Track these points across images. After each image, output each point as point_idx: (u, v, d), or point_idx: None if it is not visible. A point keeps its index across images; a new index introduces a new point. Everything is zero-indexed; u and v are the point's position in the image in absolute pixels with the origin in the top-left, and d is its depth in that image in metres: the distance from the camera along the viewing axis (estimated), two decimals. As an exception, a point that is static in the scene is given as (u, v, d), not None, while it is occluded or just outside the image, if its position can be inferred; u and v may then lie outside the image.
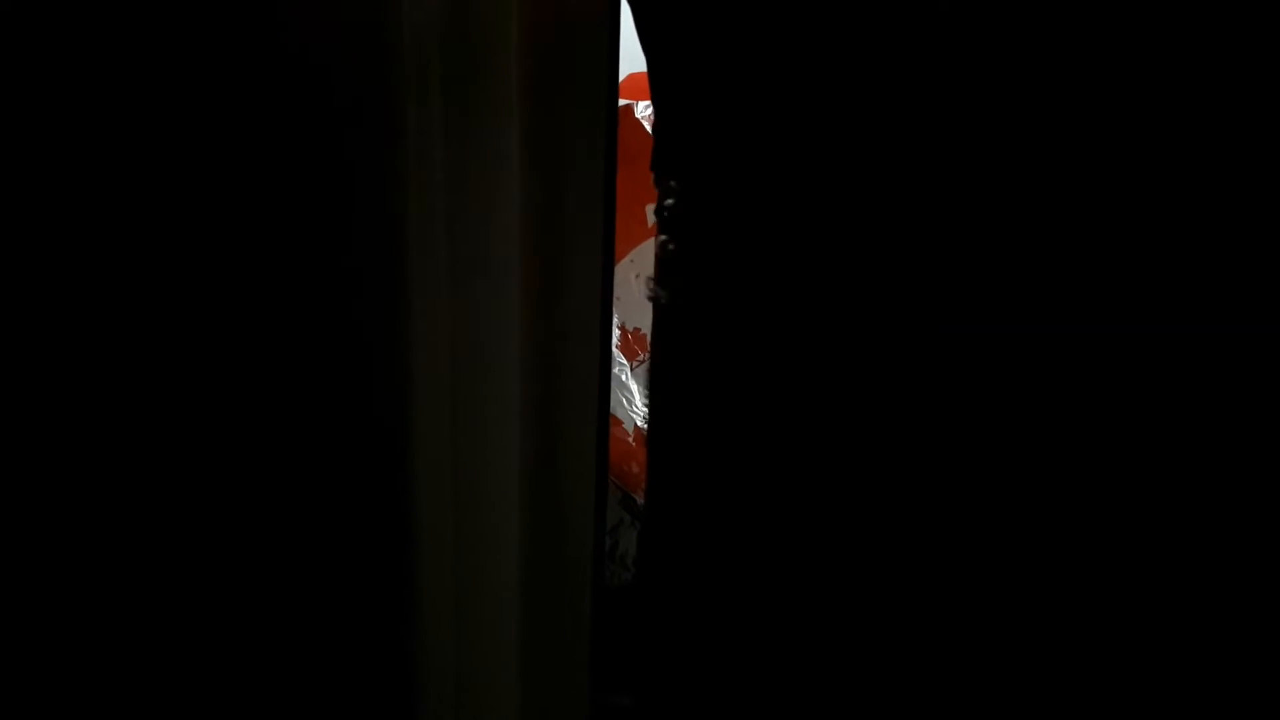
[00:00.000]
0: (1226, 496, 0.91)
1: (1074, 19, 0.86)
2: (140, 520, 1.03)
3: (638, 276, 1.67)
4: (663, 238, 0.98)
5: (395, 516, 1.06)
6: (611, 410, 1.73)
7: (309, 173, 0.98)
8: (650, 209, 1.57)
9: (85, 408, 1.01)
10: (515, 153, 1.06)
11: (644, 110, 1.80)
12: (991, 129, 0.90)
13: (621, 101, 1.85)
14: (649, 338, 1.17)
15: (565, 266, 1.11)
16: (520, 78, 1.05)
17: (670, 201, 0.97)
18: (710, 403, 1.01)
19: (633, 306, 1.71)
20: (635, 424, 1.71)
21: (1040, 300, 0.92)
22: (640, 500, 1.55)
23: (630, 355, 1.76)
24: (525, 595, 1.16)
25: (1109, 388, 0.92)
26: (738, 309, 0.96)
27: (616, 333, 1.78)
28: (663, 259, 0.98)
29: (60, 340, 0.99)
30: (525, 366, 1.10)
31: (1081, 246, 0.90)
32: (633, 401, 1.73)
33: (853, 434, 0.97)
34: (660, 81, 1.01)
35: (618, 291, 1.76)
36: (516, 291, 1.08)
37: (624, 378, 1.74)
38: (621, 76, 1.95)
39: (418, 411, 1.03)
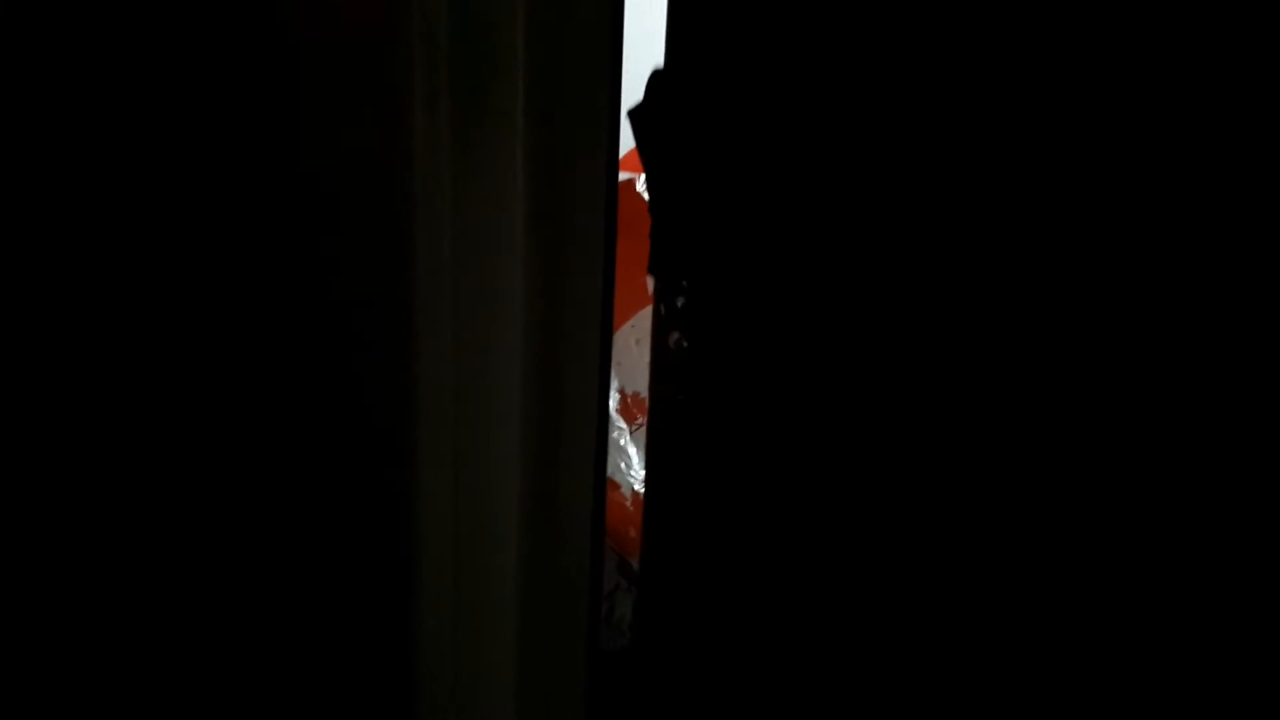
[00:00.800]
0: (1226, 496, 0.92)
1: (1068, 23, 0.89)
2: (142, 516, 1.03)
3: (638, 342, 1.68)
4: (675, 335, 1.06)
5: (397, 571, 1.07)
6: (610, 474, 1.74)
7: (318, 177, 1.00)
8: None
9: (87, 405, 1.01)
10: (518, 224, 1.08)
11: (644, 184, 1.82)
12: (986, 243, 0.94)
13: (623, 175, 1.88)
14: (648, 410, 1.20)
15: (565, 329, 1.12)
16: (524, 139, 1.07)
17: (680, 301, 1.05)
18: (712, 485, 1.08)
19: (633, 370, 1.72)
20: (633, 488, 1.71)
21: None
22: (636, 565, 1.55)
23: (630, 419, 1.77)
24: (520, 655, 1.16)
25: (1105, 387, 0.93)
26: (743, 406, 1.04)
27: (616, 397, 1.79)
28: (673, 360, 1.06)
29: (60, 339, 1.00)
30: (526, 425, 1.10)
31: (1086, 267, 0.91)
32: (631, 466, 1.73)
33: (836, 523, 1.03)
34: (658, 193, 1.09)
35: (618, 356, 1.77)
36: (519, 346, 1.10)
37: (622, 442, 1.74)
38: (623, 151, 1.99)
39: (421, 466, 1.04)
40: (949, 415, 0.99)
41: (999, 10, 0.91)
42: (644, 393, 1.74)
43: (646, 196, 1.86)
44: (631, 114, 1.10)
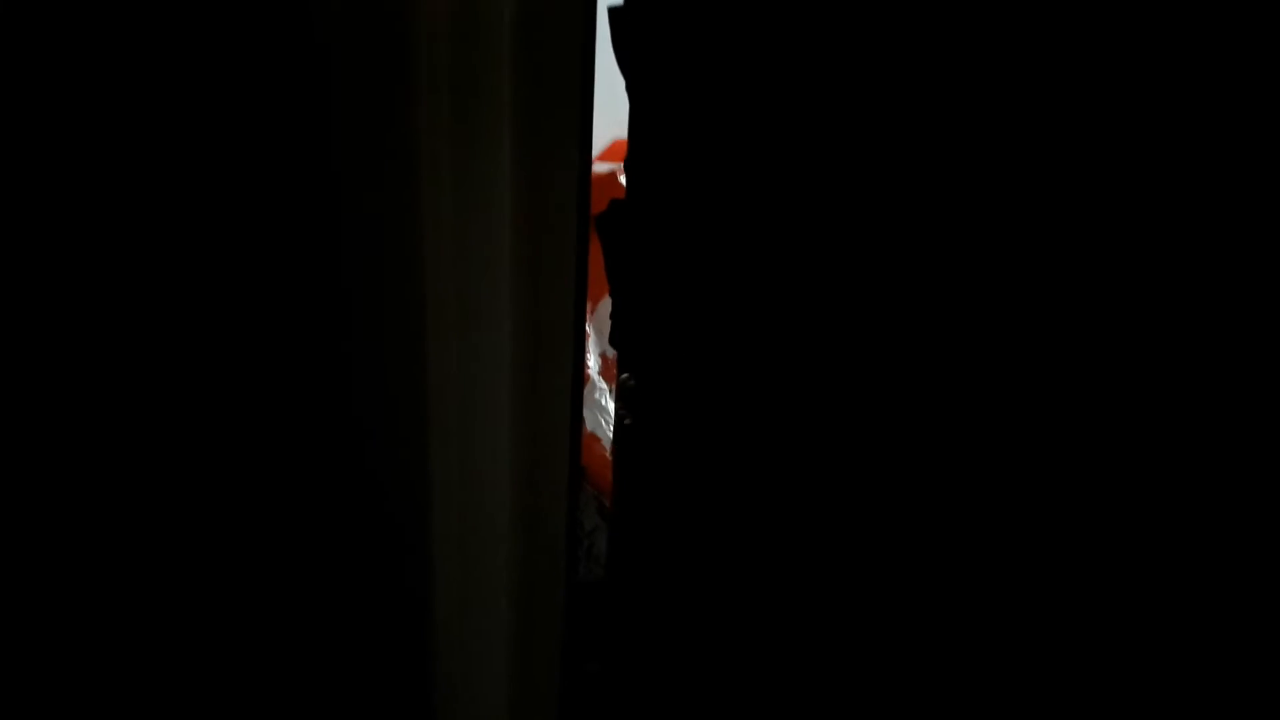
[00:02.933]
0: (1226, 496, 0.92)
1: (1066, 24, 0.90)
2: (145, 518, 1.10)
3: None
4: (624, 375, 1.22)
5: (408, 514, 1.23)
6: (593, 429, 1.92)
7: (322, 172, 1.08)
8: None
9: (91, 403, 1.06)
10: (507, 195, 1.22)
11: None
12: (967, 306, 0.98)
13: (606, 167, 2.01)
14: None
15: (546, 303, 1.29)
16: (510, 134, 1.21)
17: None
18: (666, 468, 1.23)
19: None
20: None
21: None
22: (613, 507, 1.72)
23: (611, 379, 1.93)
24: (510, 584, 1.35)
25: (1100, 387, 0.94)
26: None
27: (599, 361, 1.96)
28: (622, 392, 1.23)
29: (59, 337, 1.04)
30: (515, 390, 1.29)
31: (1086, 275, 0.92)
32: (611, 421, 1.89)
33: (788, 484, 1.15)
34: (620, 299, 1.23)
35: (599, 325, 1.93)
36: (507, 327, 1.27)
37: (604, 401, 1.89)
38: (608, 142, 2.11)
39: (431, 413, 1.21)
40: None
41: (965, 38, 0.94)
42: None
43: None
44: (598, 220, 1.26)
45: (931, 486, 1.04)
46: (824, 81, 1.02)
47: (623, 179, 2.03)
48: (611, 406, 1.91)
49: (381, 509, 1.23)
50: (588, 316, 2.02)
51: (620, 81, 1.24)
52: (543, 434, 1.31)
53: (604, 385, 1.92)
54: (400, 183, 1.15)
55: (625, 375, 1.23)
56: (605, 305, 1.84)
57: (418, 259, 1.18)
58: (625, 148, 1.87)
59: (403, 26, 1.10)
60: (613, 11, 1.21)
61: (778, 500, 1.14)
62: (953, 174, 0.95)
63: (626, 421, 1.23)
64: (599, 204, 1.33)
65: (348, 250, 1.16)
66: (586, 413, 1.90)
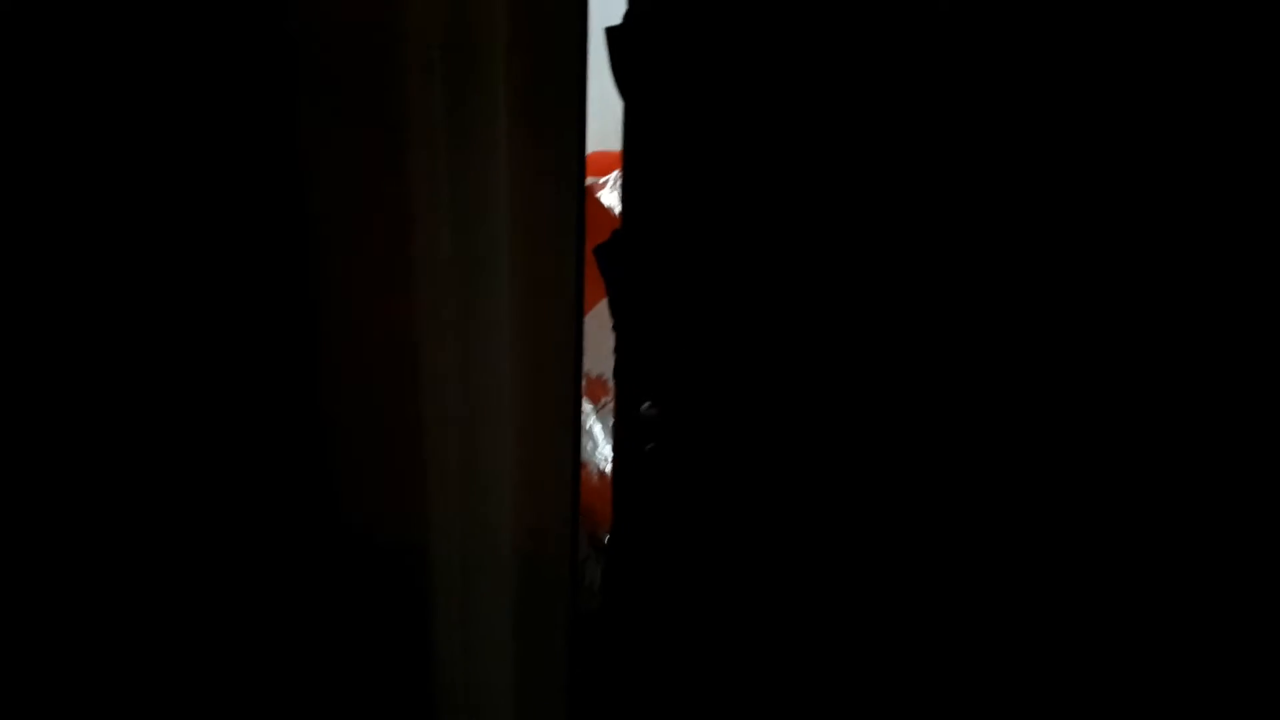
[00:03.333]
0: (1226, 496, 0.92)
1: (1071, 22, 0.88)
2: (142, 519, 1.07)
3: (601, 327, 1.78)
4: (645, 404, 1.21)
5: (408, 553, 1.18)
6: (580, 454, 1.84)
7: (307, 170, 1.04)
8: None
9: (84, 403, 1.03)
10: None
11: (606, 189, 1.90)
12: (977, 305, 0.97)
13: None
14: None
15: (547, 323, 1.23)
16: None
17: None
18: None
19: (596, 355, 1.80)
20: (599, 467, 1.81)
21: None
22: (604, 537, 1.66)
23: (594, 399, 1.86)
24: (515, 613, 1.28)
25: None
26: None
27: (584, 380, 1.88)
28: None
29: (60, 334, 1.01)
30: (516, 417, 1.22)
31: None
32: (597, 447, 1.82)
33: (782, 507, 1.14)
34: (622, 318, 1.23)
35: (584, 341, 1.87)
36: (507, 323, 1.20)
37: (588, 424, 1.83)
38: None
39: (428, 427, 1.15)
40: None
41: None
42: (607, 375, 1.83)
43: (606, 203, 1.96)
44: (596, 251, 1.23)
45: (953, 518, 1.04)
46: (843, 98, 1.00)
47: (601, 195, 2.00)
48: (598, 430, 1.84)
49: (374, 539, 1.16)
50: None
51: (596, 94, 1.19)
52: (542, 461, 1.24)
53: (589, 406, 1.85)
54: (386, 180, 1.09)
55: (647, 404, 1.20)
56: (589, 320, 1.78)
57: (408, 276, 1.11)
58: (605, 161, 1.83)
59: (394, 31, 1.05)
60: (611, 32, 1.16)
61: (818, 531, 1.11)
62: (973, 198, 0.95)
63: (644, 449, 1.20)
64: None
65: (322, 253, 1.10)
66: (572, 436, 1.82)
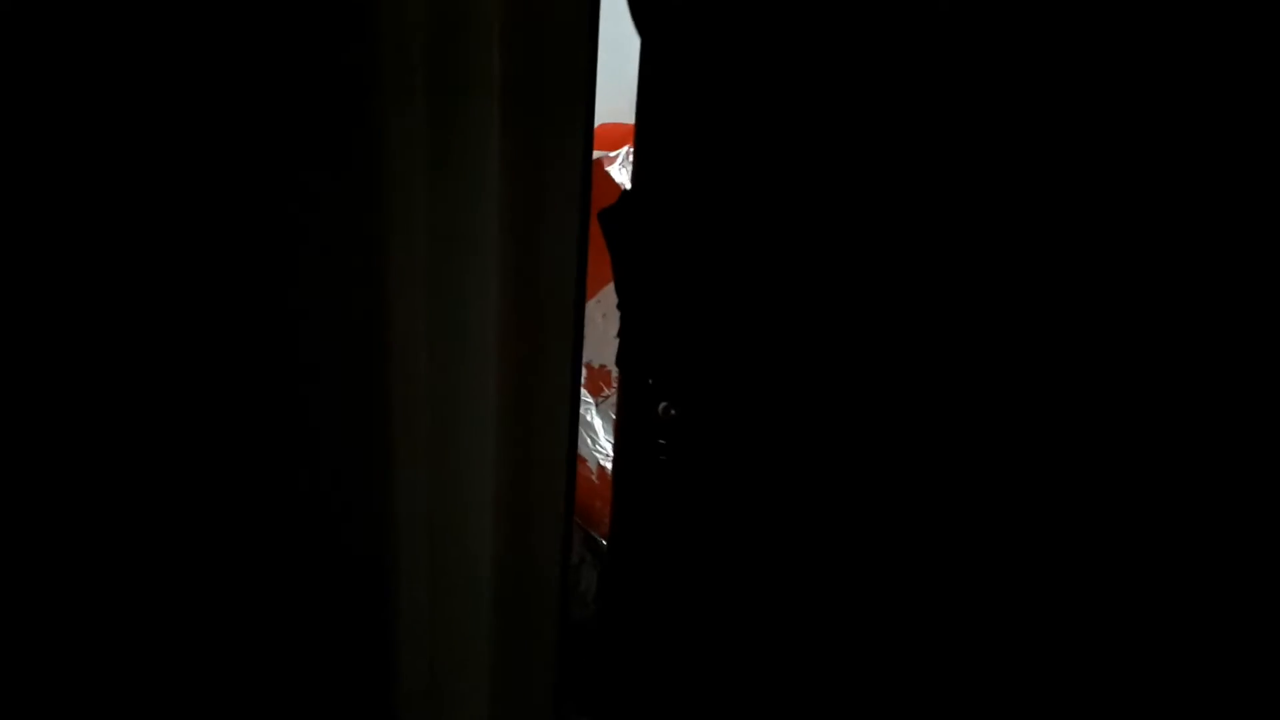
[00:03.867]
0: (1226, 496, 0.91)
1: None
2: (121, 515, 1.01)
3: (604, 316, 1.69)
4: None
5: (373, 539, 1.07)
6: (580, 449, 1.74)
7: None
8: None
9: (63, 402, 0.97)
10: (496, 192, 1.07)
11: (616, 164, 1.81)
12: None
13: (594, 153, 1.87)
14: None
15: (542, 317, 1.13)
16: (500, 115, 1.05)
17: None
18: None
19: (598, 344, 1.70)
20: (598, 462, 1.71)
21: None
22: (602, 539, 1.57)
23: (595, 391, 1.76)
24: (495, 622, 1.18)
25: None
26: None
27: (584, 370, 1.79)
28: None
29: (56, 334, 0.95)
30: (501, 416, 1.11)
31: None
32: (596, 440, 1.73)
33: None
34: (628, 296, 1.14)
35: (584, 329, 1.77)
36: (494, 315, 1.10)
37: (588, 416, 1.73)
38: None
39: (397, 438, 1.05)
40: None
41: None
42: (610, 366, 1.74)
43: (617, 178, 1.86)
44: (601, 215, 1.12)
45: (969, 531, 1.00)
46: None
47: (612, 169, 1.89)
48: (598, 424, 1.74)
49: (337, 543, 1.06)
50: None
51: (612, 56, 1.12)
52: (534, 458, 1.13)
53: (589, 399, 1.75)
54: (363, 162, 0.98)
55: (664, 405, 1.10)
56: (591, 306, 1.68)
57: (384, 253, 1.01)
58: (616, 134, 1.71)
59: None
60: None
61: (846, 533, 1.04)
62: (985, 194, 0.92)
63: (663, 456, 1.11)
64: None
65: (298, 246, 1.00)
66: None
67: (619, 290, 1.15)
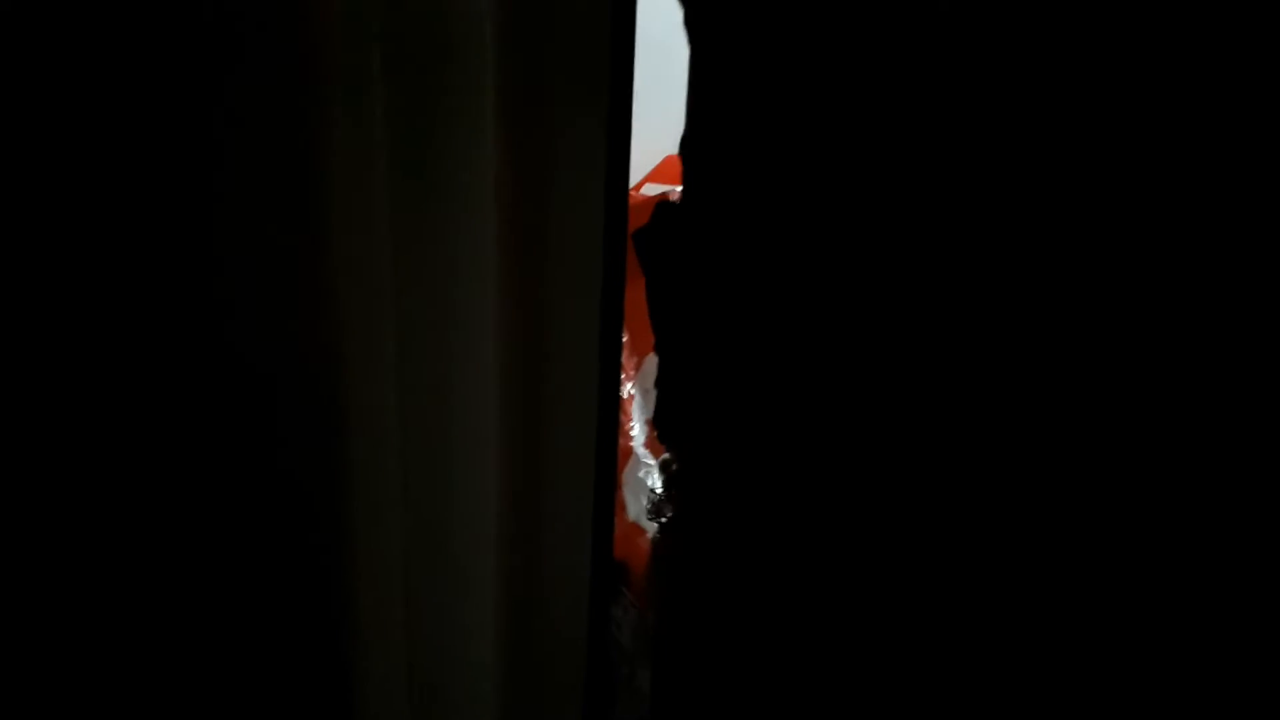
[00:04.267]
0: (1226, 496, 0.91)
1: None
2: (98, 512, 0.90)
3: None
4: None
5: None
6: (635, 517, 1.57)
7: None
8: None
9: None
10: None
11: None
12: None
13: (657, 189, 1.74)
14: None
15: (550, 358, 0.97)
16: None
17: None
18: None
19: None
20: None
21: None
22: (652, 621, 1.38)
23: (658, 452, 1.60)
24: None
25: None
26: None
27: (644, 429, 1.63)
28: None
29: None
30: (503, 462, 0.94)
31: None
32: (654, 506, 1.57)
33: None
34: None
35: (648, 384, 1.61)
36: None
37: (650, 481, 1.58)
38: (658, 159, 1.85)
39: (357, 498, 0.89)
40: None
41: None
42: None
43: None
44: (636, 237, 1.04)
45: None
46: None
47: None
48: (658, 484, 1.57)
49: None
50: (632, 373, 1.71)
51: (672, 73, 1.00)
52: (549, 518, 0.95)
53: (651, 461, 1.59)
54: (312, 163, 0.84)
55: (667, 456, 0.99)
56: (652, 359, 1.51)
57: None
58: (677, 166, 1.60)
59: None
60: None
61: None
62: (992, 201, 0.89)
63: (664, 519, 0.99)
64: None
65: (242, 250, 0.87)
66: (627, 495, 1.56)
67: (654, 323, 1.01)
